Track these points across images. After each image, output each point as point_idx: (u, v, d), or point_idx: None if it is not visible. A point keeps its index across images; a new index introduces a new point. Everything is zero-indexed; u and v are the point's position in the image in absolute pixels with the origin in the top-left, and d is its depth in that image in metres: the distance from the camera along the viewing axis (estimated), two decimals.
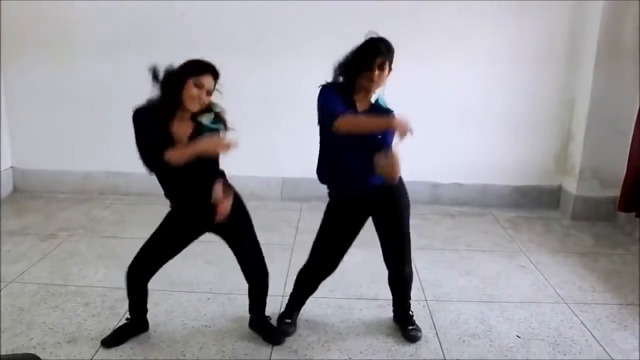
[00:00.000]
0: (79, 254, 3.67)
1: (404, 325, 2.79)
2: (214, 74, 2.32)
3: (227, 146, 2.28)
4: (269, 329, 2.73)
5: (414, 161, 4.66)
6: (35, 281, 3.26)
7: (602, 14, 4.17)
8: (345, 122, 2.34)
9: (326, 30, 4.50)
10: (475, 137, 4.71)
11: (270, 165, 4.78)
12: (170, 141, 2.29)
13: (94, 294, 3.12)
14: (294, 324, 2.81)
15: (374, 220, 2.67)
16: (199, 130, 2.33)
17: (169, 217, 2.58)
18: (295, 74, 4.55)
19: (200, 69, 2.29)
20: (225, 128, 2.40)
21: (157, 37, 4.58)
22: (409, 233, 2.67)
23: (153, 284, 3.23)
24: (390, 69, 2.45)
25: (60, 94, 4.78)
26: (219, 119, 2.39)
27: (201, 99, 2.28)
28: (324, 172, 2.60)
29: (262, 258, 2.66)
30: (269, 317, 2.78)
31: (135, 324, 2.70)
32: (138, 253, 2.59)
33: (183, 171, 2.30)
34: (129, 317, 2.70)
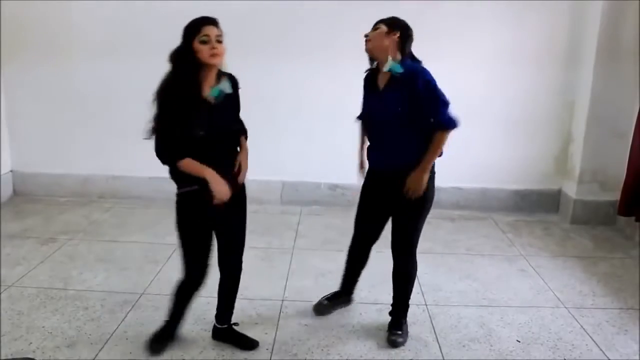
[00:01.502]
0: (79, 258, 3.67)
1: (390, 328, 2.79)
2: (211, 22, 2.27)
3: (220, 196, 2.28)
4: (241, 337, 2.70)
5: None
6: (34, 285, 3.26)
7: (602, 15, 4.17)
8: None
9: (327, 33, 4.51)
10: (475, 139, 4.70)
11: (270, 168, 4.78)
12: (204, 105, 2.26)
13: (93, 297, 3.12)
14: (330, 306, 2.98)
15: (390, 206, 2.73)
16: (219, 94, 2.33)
17: (182, 207, 2.42)
18: (296, 77, 4.57)
19: (195, 26, 2.25)
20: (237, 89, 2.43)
21: (157, 39, 4.55)
22: (413, 229, 2.69)
23: (152, 288, 3.24)
24: (391, 32, 2.52)
25: (60, 97, 4.78)
26: (232, 81, 2.40)
27: (215, 49, 2.23)
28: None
29: (242, 254, 2.62)
30: (236, 323, 2.75)
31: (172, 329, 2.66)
32: (185, 262, 2.51)
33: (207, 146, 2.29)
34: (168, 319, 2.66)
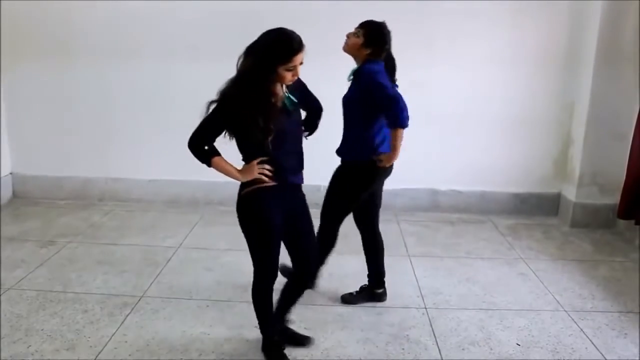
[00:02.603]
0: (78, 261, 3.66)
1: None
2: (301, 49, 2.17)
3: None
4: (296, 334, 2.72)
5: (414, 168, 4.68)
6: (34, 288, 3.25)
7: (602, 16, 4.17)
8: None
9: (326, 33, 4.49)
10: (474, 143, 4.70)
11: None
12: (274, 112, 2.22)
13: (92, 300, 3.12)
14: (356, 298, 3.16)
15: None
16: (285, 104, 2.31)
17: (259, 206, 2.34)
18: None
19: (287, 55, 2.13)
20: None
21: (157, 42, 4.59)
22: (331, 207, 2.95)
23: (152, 291, 3.24)
24: (364, 47, 2.81)
25: (60, 99, 4.79)
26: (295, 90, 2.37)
27: (297, 74, 2.22)
28: None
29: (317, 255, 2.63)
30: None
31: (280, 336, 2.63)
32: (259, 265, 2.43)
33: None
34: (277, 338, 2.61)
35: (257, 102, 2.16)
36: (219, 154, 2.33)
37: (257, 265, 2.44)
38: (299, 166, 2.43)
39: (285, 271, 3.05)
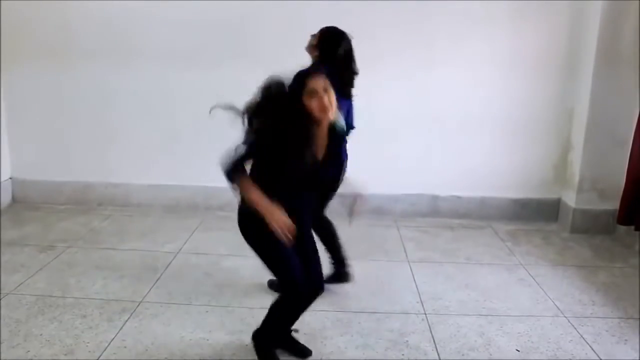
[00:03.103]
0: (78, 265, 3.66)
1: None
2: (318, 71, 2.18)
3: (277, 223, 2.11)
4: (297, 343, 2.71)
5: (414, 173, 4.69)
6: (33, 292, 3.24)
7: (601, 22, 4.17)
8: None
9: None
10: (473, 147, 4.70)
11: None
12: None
13: (92, 305, 3.11)
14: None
15: None
16: (332, 133, 2.24)
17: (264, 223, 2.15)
18: None
19: (301, 80, 2.14)
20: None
21: (157, 45, 4.59)
22: None
23: (151, 296, 3.24)
24: (314, 49, 3.05)
25: (60, 104, 4.79)
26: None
27: (326, 102, 2.09)
28: None
29: (321, 268, 2.55)
30: (295, 330, 2.74)
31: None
32: (285, 280, 2.38)
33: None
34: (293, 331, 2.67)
35: (303, 137, 2.10)
36: (247, 175, 2.18)
37: (283, 280, 2.39)
38: (312, 202, 2.41)
39: (274, 285, 3.08)
